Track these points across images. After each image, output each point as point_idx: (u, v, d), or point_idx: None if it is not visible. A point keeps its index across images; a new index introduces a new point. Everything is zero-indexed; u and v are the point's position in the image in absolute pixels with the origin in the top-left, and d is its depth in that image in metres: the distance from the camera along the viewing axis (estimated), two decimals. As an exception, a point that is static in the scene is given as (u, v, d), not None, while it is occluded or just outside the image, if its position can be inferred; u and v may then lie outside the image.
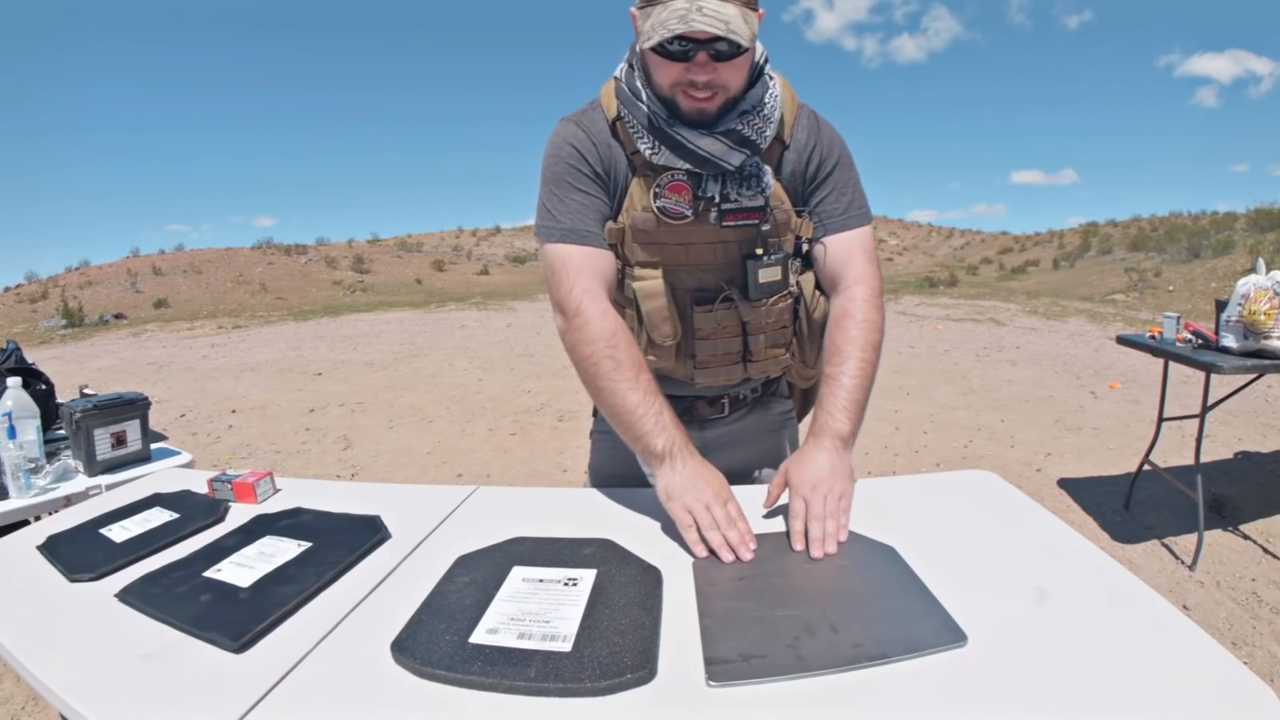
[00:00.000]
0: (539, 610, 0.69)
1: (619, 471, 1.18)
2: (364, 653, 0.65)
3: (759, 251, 1.03)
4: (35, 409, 1.49)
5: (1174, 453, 3.55)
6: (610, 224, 1.02)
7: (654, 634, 0.64)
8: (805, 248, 1.10)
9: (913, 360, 6.94)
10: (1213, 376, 2.41)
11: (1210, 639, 0.60)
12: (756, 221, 1.01)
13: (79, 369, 7.96)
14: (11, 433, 1.42)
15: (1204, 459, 2.54)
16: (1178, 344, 2.57)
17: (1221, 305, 2.44)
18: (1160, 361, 2.69)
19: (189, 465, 1.69)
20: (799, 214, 1.06)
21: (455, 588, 0.75)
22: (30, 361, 1.84)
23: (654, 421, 0.89)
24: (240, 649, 0.66)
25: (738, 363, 1.10)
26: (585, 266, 0.97)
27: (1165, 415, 2.86)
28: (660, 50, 0.89)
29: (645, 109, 0.97)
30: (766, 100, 0.98)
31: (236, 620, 0.69)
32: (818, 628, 0.64)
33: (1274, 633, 2.06)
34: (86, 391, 1.86)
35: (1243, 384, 3.01)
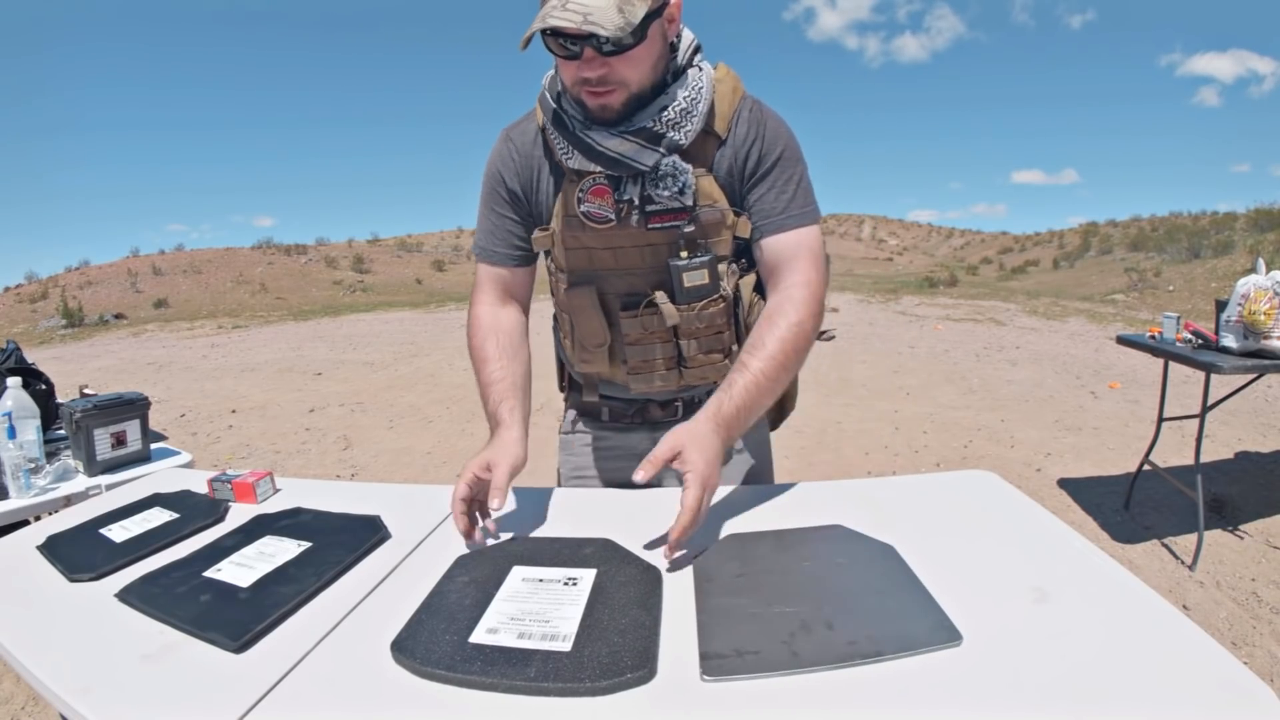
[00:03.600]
0: (539, 610, 0.69)
1: (579, 474, 1.20)
2: (364, 653, 0.65)
3: (683, 254, 0.99)
4: (35, 409, 1.49)
5: (1174, 453, 3.55)
6: (539, 232, 1.04)
7: (654, 634, 0.64)
8: (754, 249, 1.05)
9: (912, 360, 6.94)
10: (1213, 376, 2.41)
11: (1210, 639, 0.59)
12: (681, 223, 0.97)
13: (79, 369, 7.96)
14: (11, 433, 1.42)
15: (1204, 459, 2.54)
16: (1178, 344, 2.57)
17: (1221, 305, 2.44)
18: (1160, 361, 2.70)
19: (189, 465, 1.69)
20: (737, 213, 1.00)
21: (455, 587, 0.75)
22: (30, 361, 1.84)
23: (493, 404, 0.99)
24: (240, 649, 0.66)
25: (673, 369, 1.06)
26: (486, 281, 1.09)
27: (1165, 415, 2.86)
28: (556, 51, 0.87)
29: (558, 112, 0.95)
30: (687, 93, 0.93)
31: (236, 620, 0.69)
32: (814, 624, 0.64)
33: (1274, 633, 2.06)
34: (86, 391, 1.86)
35: (1243, 384, 3.01)
